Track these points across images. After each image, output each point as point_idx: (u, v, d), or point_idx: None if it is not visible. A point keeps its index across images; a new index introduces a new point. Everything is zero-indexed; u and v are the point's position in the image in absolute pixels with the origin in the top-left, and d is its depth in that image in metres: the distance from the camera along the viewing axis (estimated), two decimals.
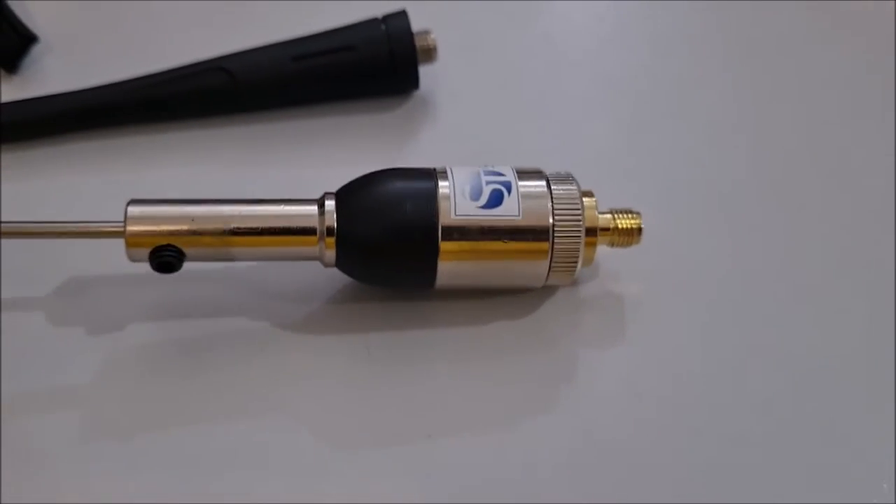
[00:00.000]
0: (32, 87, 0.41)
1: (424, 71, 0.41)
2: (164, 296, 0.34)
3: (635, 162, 0.40)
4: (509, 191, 0.32)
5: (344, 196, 0.32)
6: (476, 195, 0.32)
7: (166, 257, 0.31)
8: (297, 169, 0.40)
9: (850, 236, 0.38)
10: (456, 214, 0.32)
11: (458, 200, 0.32)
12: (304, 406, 0.32)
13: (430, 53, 0.41)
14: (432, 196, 0.32)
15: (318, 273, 0.33)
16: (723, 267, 0.37)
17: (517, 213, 0.32)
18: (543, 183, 0.33)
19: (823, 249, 0.37)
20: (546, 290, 0.35)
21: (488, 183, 0.32)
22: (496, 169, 0.33)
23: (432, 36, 0.40)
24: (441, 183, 0.32)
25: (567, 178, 0.33)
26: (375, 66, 0.40)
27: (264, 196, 0.38)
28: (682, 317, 0.35)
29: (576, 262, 0.33)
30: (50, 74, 0.43)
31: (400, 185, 0.32)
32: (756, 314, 0.35)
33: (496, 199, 0.32)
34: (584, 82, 0.44)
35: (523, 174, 0.33)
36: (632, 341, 0.34)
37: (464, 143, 0.41)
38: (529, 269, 0.33)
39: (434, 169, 0.33)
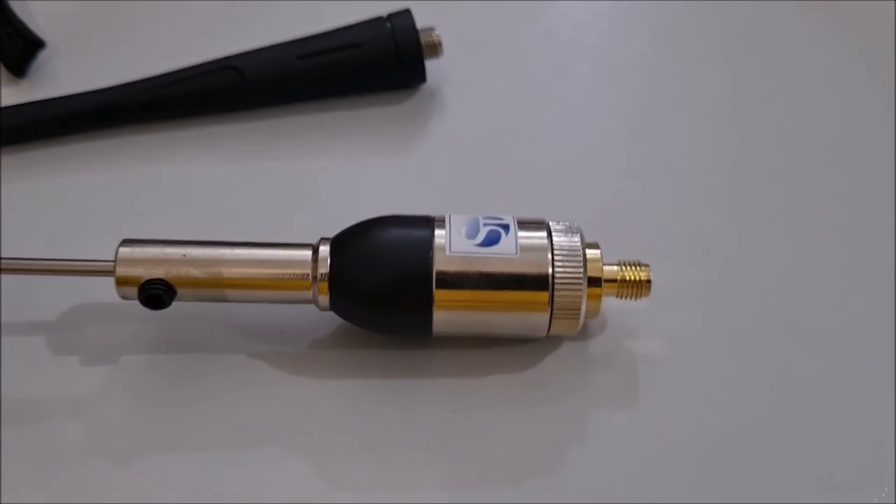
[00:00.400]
0: (40, 92, 0.42)
1: (430, 65, 0.41)
2: (159, 330, 0.34)
3: (638, 150, 0.41)
4: (507, 231, 0.32)
5: (339, 241, 0.32)
6: (472, 234, 0.31)
7: (154, 290, 0.31)
8: (307, 163, 0.40)
9: (879, 287, 0.36)
10: (451, 251, 0.31)
11: (453, 238, 0.31)
12: (295, 450, 0.31)
13: (435, 49, 0.41)
14: (428, 244, 0.31)
15: (315, 314, 0.33)
16: (739, 322, 0.35)
17: (514, 252, 0.31)
18: (544, 233, 0.32)
19: (849, 302, 0.35)
20: (551, 341, 0.33)
21: (486, 224, 0.32)
22: (496, 215, 0.32)
23: (437, 32, 0.41)
24: (438, 231, 0.31)
25: (570, 229, 0.32)
26: (382, 63, 0.41)
27: (278, 193, 0.39)
28: (696, 376, 0.33)
29: (578, 314, 0.31)
30: (57, 78, 0.43)
31: (395, 232, 0.32)
32: (774, 375, 0.33)
33: (493, 239, 0.31)
34: (587, 74, 0.44)
35: (524, 224, 0.32)
36: (641, 400, 0.32)
37: (471, 135, 0.41)
38: (530, 319, 0.31)
39: (433, 217, 0.32)
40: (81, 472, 0.31)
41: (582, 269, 0.31)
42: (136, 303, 0.32)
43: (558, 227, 0.32)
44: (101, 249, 0.36)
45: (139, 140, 0.41)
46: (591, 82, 0.44)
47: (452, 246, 0.31)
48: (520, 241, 0.31)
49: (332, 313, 0.33)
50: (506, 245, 0.31)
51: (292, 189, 0.39)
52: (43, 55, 0.44)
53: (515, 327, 0.32)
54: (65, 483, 0.30)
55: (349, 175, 0.40)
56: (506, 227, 0.32)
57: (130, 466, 0.31)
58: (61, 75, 0.43)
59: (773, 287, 0.36)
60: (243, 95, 0.41)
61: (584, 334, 0.34)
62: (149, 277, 0.31)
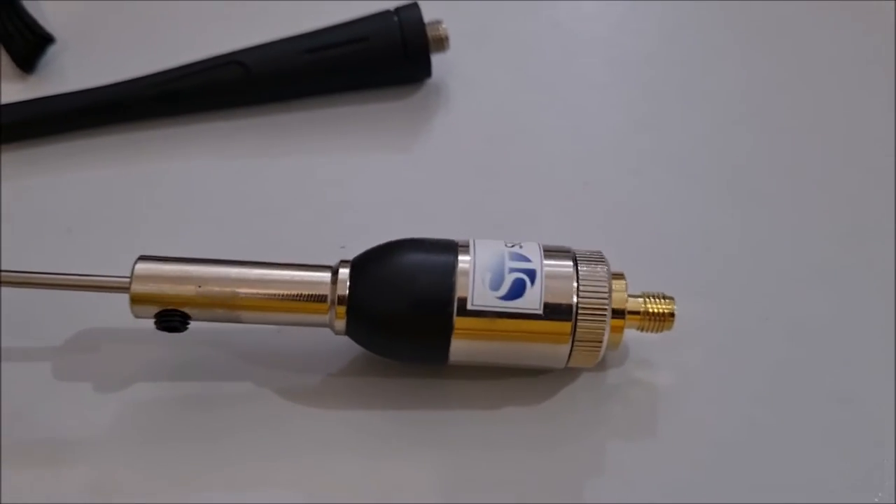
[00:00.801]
0: (49, 87, 0.42)
1: (437, 60, 0.41)
2: (173, 354, 0.33)
3: (645, 146, 0.41)
4: (532, 280, 0.30)
5: (359, 264, 0.31)
6: (496, 284, 0.30)
7: (172, 322, 0.31)
8: (312, 158, 0.40)
9: None
10: (473, 304, 0.30)
11: (476, 288, 0.30)
12: (307, 479, 0.31)
13: (441, 43, 0.41)
14: (450, 271, 0.30)
15: (329, 340, 0.32)
16: (760, 355, 0.34)
17: (538, 308, 0.30)
18: (570, 263, 0.31)
19: (872, 325, 0.34)
20: (568, 373, 0.33)
21: (511, 270, 0.30)
22: (522, 252, 0.31)
23: (444, 25, 0.41)
24: (461, 258, 0.30)
25: (597, 258, 0.31)
26: (388, 57, 0.41)
27: (284, 188, 0.39)
28: (714, 406, 0.32)
29: (600, 345, 0.31)
30: (66, 73, 0.43)
31: (418, 257, 0.31)
32: (798, 410, 0.32)
33: (517, 291, 0.30)
34: (594, 68, 0.44)
35: (550, 253, 0.31)
36: (659, 432, 0.32)
37: (477, 130, 0.41)
38: (549, 350, 0.31)
39: (456, 243, 0.31)
40: None
41: (607, 300, 0.30)
42: (145, 322, 0.31)
43: (584, 257, 0.31)
44: (108, 247, 0.36)
45: (146, 136, 0.41)
46: (598, 77, 0.44)
47: (475, 298, 0.30)
48: (546, 271, 0.30)
49: (346, 338, 0.32)
50: (530, 299, 0.30)
51: (297, 184, 0.39)
52: (51, 51, 0.44)
53: (534, 358, 0.31)
54: None
55: (354, 170, 0.40)
56: (532, 275, 0.30)
57: None
58: (69, 71, 0.43)
59: (792, 311, 0.35)
60: (249, 90, 0.41)
61: (600, 365, 0.33)
62: (163, 295, 0.31)
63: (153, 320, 0.31)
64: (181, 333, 0.31)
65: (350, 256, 0.32)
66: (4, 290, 0.34)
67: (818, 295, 0.35)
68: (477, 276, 0.30)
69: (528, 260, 0.31)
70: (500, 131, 0.41)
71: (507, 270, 0.30)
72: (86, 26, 0.45)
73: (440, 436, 0.32)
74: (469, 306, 0.30)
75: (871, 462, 0.31)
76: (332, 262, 0.32)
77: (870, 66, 0.44)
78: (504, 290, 0.30)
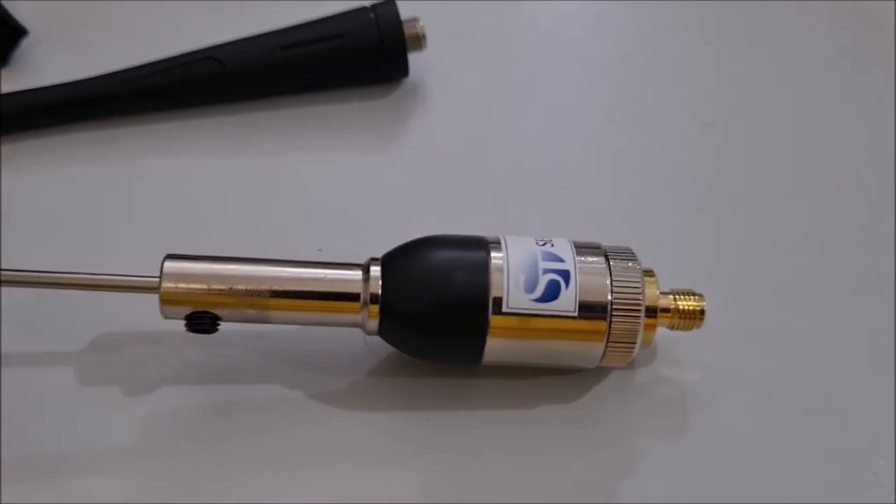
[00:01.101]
0: (23, 80, 0.42)
1: (413, 59, 0.41)
2: (200, 357, 0.33)
3: (624, 143, 0.41)
4: (567, 282, 0.30)
5: (390, 262, 0.31)
6: (531, 287, 0.30)
7: (203, 325, 0.30)
8: (288, 156, 0.40)
9: None
10: (508, 307, 0.30)
11: (511, 291, 0.30)
12: (337, 481, 0.30)
13: (418, 41, 0.41)
14: (484, 268, 0.30)
15: (359, 340, 0.32)
16: (787, 350, 0.34)
17: (573, 310, 0.30)
18: (602, 259, 0.31)
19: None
20: (598, 372, 0.33)
21: (545, 272, 0.30)
22: (554, 250, 0.31)
23: (421, 23, 0.41)
24: (494, 254, 0.30)
25: (628, 254, 0.31)
26: (364, 55, 0.41)
27: (259, 187, 0.38)
28: (743, 404, 0.32)
29: (634, 344, 0.30)
30: (40, 67, 0.43)
31: (450, 254, 0.30)
32: (823, 402, 0.33)
33: (552, 293, 0.30)
34: (572, 67, 0.44)
35: (581, 249, 0.31)
36: (690, 431, 0.32)
37: (454, 130, 0.41)
38: (584, 349, 0.30)
39: (486, 239, 0.31)
40: None
41: (641, 298, 0.30)
42: (170, 324, 0.31)
43: (616, 253, 0.31)
44: (83, 244, 0.36)
45: (121, 132, 0.40)
46: (576, 76, 0.44)
47: (510, 301, 0.30)
48: (579, 267, 0.30)
49: (377, 341, 0.31)
50: (565, 301, 0.30)
51: (273, 183, 0.39)
52: (25, 43, 0.43)
53: (568, 357, 0.31)
54: None
55: (330, 170, 0.40)
56: (566, 276, 0.30)
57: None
58: (43, 64, 0.43)
59: (817, 313, 0.35)
60: (224, 86, 0.41)
61: (629, 364, 0.32)
62: (193, 294, 0.30)
63: (183, 322, 0.30)
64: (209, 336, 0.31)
65: (328, 258, 0.31)
66: (26, 290, 0.32)
67: (841, 294, 0.36)
68: (511, 278, 0.30)
69: (561, 260, 0.30)
70: (477, 131, 0.41)
71: (540, 272, 0.30)
72: (60, 19, 0.45)
73: (472, 438, 0.31)
74: (504, 309, 0.30)
75: None
76: (362, 260, 0.31)
77: (849, 63, 0.44)
78: (539, 292, 0.30)
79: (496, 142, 0.41)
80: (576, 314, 0.30)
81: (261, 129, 0.41)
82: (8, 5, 0.44)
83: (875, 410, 0.32)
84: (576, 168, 0.40)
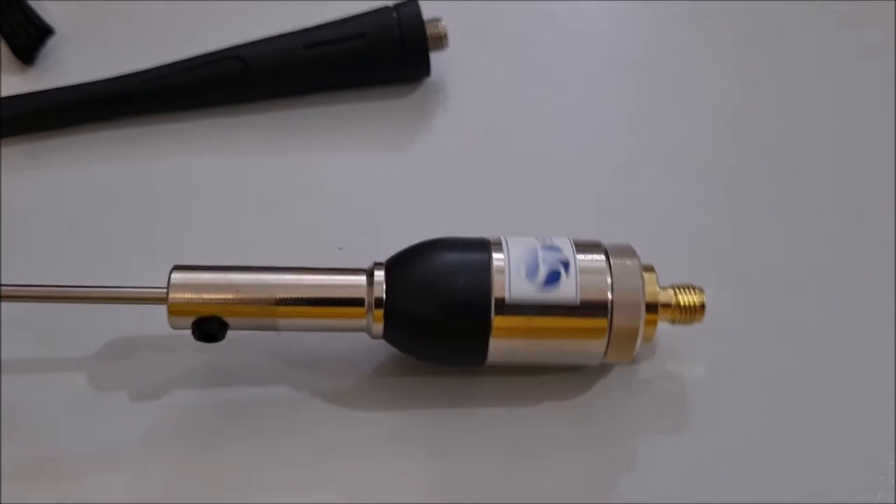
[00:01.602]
0: (49, 79, 0.42)
1: (435, 58, 0.41)
2: (209, 361, 0.33)
3: (642, 143, 0.41)
4: (567, 270, 0.30)
5: (394, 267, 0.31)
6: (532, 273, 0.30)
7: (210, 330, 0.31)
8: (310, 155, 0.41)
9: None
10: (511, 295, 0.30)
11: (513, 280, 0.30)
12: (346, 481, 0.31)
13: (440, 41, 0.41)
14: (486, 269, 0.30)
15: (364, 343, 0.32)
16: (790, 345, 0.34)
17: (574, 298, 0.30)
18: (602, 257, 0.31)
19: None
20: (602, 368, 0.33)
21: (545, 261, 0.31)
22: (554, 243, 0.31)
23: (443, 23, 0.41)
24: (495, 255, 0.31)
25: (627, 252, 0.31)
26: (387, 54, 0.41)
27: (282, 185, 0.39)
28: (745, 399, 0.33)
29: (635, 340, 0.31)
30: (66, 66, 0.43)
31: (452, 256, 0.31)
32: (824, 397, 0.33)
33: (553, 279, 0.30)
34: (591, 66, 0.44)
35: (581, 247, 0.31)
36: (692, 425, 0.32)
37: (475, 128, 0.41)
38: (586, 347, 0.31)
39: (488, 240, 0.32)
40: None
41: (642, 295, 0.31)
42: (173, 332, 0.31)
43: (616, 251, 0.31)
44: (109, 243, 0.37)
45: (146, 130, 0.41)
46: (595, 74, 0.44)
47: (513, 291, 0.30)
48: (579, 265, 0.31)
49: (382, 342, 0.32)
50: (566, 289, 0.30)
51: (296, 181, 0.39)
52: (51, 43, 0.44)
53: (571, 355, 0.32)
54: None
55: (352, 168, 0.40)
56: (566, 264, 0.31)
57: None
58: (70, 63, 0.44)
59: (821, 312, 0.35)
60: (248, 85, 0.41)
61: (633, 359, 0.33)
62: (201, 303, 0.31)
63: (190, 331, 0.31)
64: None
65: (348, 257, 0.32)
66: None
67: (843, 290, 0.36)
68: (513, 270, 0.30)
69: (560, 250, 0.31)
70: (498, 128, 0.41)
71: (541, 261, 0.31)
72: (86, 19, 0.45)
73: (478, 435, 0.32)
74: (507, 300, 0.30)
75: None
76: (366, 265, 0.32)
77: (865, 63, 0.44)
78: (540, 279, 0.30)
79: (516, 140, 0.41)
80: (577, 302, 0.30)
81: (283, 128, 0.41)
82: (35, 5, 0.44)
83: (878, 405, 0.33)
84: (594, 167, 0.40)
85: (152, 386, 0.33)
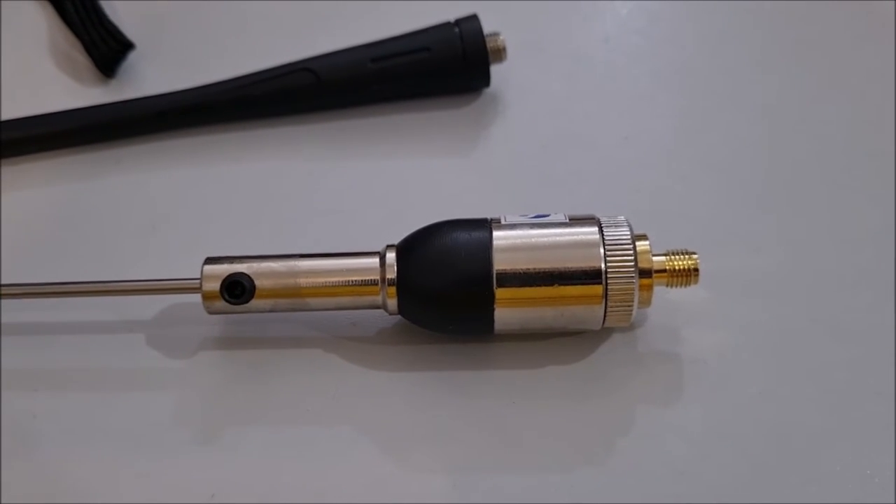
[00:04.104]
0: (129, 91, 0.45)
1: (494, 70, 0.43)
2: (234, 331, 0.37)
3: (694, 155, 0.42)
4: (555, 213, 0.35)
5: (404, 247, 0.34)
6: (524, 216, 0.35)
7: (237, 278, 0.34)
8: (376, 162, 0.43)
9: None
10: (506, 220, 0.34)
11: (507, 219, 0.34)
12: (361, 433, 0.34)
13: (499, 54, 0.43)
14: (487, 245, 0.33)
15: (380, 315, 0.36)
16: (795, 315, 0.36)
17: (564, 218, 0.34)
18: (596, 228, 0.34)
19: None
20: (604, 332, 0.36)
21: (538, 216, 0.35)
22: (547, 213, 0.35)
23: (502, 37, 0.43)
24: (496, 233, 0.34)
25: (620, 223, 0.34)
26: (449, 66, 0.43)
27: (349, 191, 0.42)
28: (743, 367, 0.35)
29: (631, 305, 0.33)
30: (144, 79, 0.46)
31: (455, 235, 0.34)
32: (824, 371, 0.35)
33: (543, 215, 0.35)
34: (642, 79, 0.46)
35: (576, 220, 0.34)
36: (689, 389, 0.34)
37: (530, 138, 0.43)
38: (586, 313, 0.33)
39: (489, 219, 0.34)
40: (164, 443, 0.34)
41: (633, 261, 0.33)
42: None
43: (608, 222, 0.34)
44: (189, 242, 0.39)
45: (221, 138, 0.43)
46: (647, 87, 0.46)
47: (507, 219, 0.34)
48: (571, 235, 0.34)
49: (399, 318, 0.35)
50: (555, 218, 0.34)
51: (362, 187, 0.41)
52: (131, 57, 0.46)
53: (572, 320, 0.34)
54: (149, 455, 0.33)
55: (416, 175, 0.42)
56: (554, 215, 0.35)
57: (211, 442, 0.34)
58: (148, 76, 0.46)
59: (823, 285, 0.37)
60: (318, 96, 0.43)
61: (633, 324, 0.35)
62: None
63: (222, 293, 0.34)
64: (244, 314, 0.35)
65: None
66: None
67: (866, 291, 0.37)
68: (508, 216, 0.34)
69: (550, 215, 0.35)
70: (552, 140, 0.43)
71: (531, 216, 0.35)
72: (163, 33, 0.48)
73: (487, 393, 0.35)
74: (503, 222, 0.34)
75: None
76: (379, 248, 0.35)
77: None
78: (531, 214, 0.35)
79: (570, 151, 0.43)
80: (567, 220, 0.34)
81: (351, 136, 0.43)
82: (116, 21, 0.47)
83: (875, 369, 0.34)
84: (648, 176, 0.42)
85: (182, 348, 0.36)
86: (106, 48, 0.46)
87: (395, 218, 0.40)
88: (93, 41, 0.46)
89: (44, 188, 0.42)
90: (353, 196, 0.41)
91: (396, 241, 0.35)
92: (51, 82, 0.46)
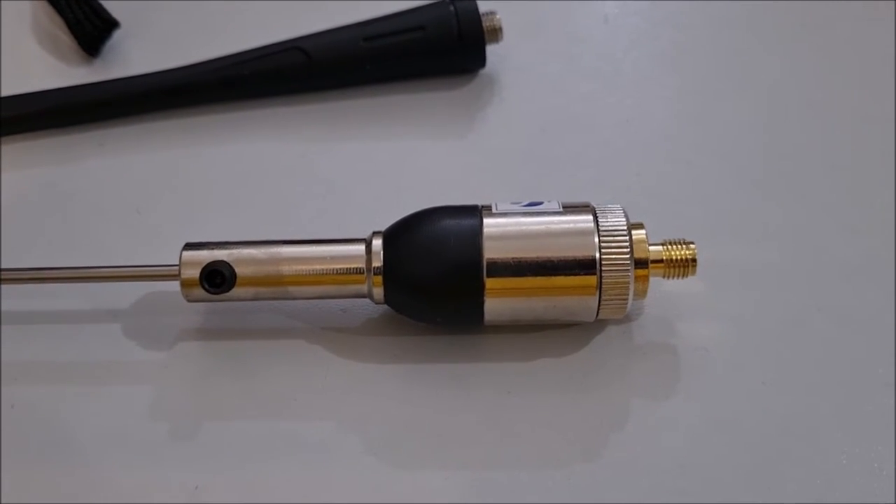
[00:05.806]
0: (114, 71, 0.44)
1: (490, 50, 0.42)
2: (216, 320, 0.35)
3: (694, 138, 0.42)
4: (548, 201, 0.33)
5: (391, 234, 0.33)
6: (515, 204, 0.33)
7: (216, 267, 0.32)
8: (368, 143, 0.42)
9: None
10: (497, 209, 0.32)
11: (499, 206, 0.33)
12: (351, 428, 0.32)
13: (496, 34, 0.42)
14: (476, 233, 0.32)
15: (367, 304, 0.34)
16: (796, 305, 0.35)
17: (558, 206, 0.33)
18: (590, 217, 0.32)
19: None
20: (599, 324, 0.34)
21: (530, 204, 0.33)
22: (541, 201, 0.33)
23: (498, 17, 0.42)
24: (486, 220, 0.32)
25: (615, 211, 0.33)
26: (444, 46, 0.42)
27: (341, 173, 0.40)
28: (739, 359, 0.34)
29: (626, 296, 0.32)
30: (130, 58, 0.45)
31: (444, 223, 0.32)
32: (824, 362, 0.34)
33: (536, 203, 0.33)
34: (642, 62, 0.45)
35: (570, 208, 0.33)
36: (684, 381, 0.33)
37: (528, 119, 0.42)
38: (579, 304, 0.32)
39: (480, 206, 0.33)
40: (145, 436, 0.32)
41: (628, 251, 0.32)
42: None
43: (604, 210, 0.33)
44: (174, 225, 0.38)
45: (208, 119, 0.42)
46: (646, 69, 0.45)
47: (498, 207, 0.33)
48: (565, 223, 0.32)
49: (386, 307, 0.34)
50: (548, 206, 0.33)
51: (354, 171, 0.40)
52: (116, 35, 0.45)
53: (565, 312, 0.33)
54: (129, 448, 0.32)
55: (409, 158, 0.41)
56: (548, 203, 0.33)
57: (192, 436, 0.32)
58: (134, 55, 0.45)
59: (824, 275, 0.36)
60: (309, 76, 0.42)
61: (628, 316, 0.34)
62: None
63: (202, 282, 0.32)
64: (226, 302, 0.33)
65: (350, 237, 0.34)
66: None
67: (868, 281, 0.36)
68: (500, 204, 0.33)
69: (543, 203, 0.33)
70: (550, 122, 0.42)
71: (524, 204, 0.33)
72: (148, 12, 0.47)
73: (481, 385, 0.33)
74: (494, 210, 0.32)
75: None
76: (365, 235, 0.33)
77: None
78: (524, 203, 0.33)
79: (568, 133, 0.42)
80: (560, 209, 0.32)
81: (342, 118, 0.42)
82: None
83: (877, 361, 0.33)
84: (648, 159, 0.41)
85: (162, 339, 0.35)
86: (90, 26, 0.45)
87: (388, 203, 0.38)
88: (77, 19, 0.45)
89: (24, 170, 0.40)
90: (345, 180, 0.40)
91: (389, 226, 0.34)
92: (33, 61, 0.45)
